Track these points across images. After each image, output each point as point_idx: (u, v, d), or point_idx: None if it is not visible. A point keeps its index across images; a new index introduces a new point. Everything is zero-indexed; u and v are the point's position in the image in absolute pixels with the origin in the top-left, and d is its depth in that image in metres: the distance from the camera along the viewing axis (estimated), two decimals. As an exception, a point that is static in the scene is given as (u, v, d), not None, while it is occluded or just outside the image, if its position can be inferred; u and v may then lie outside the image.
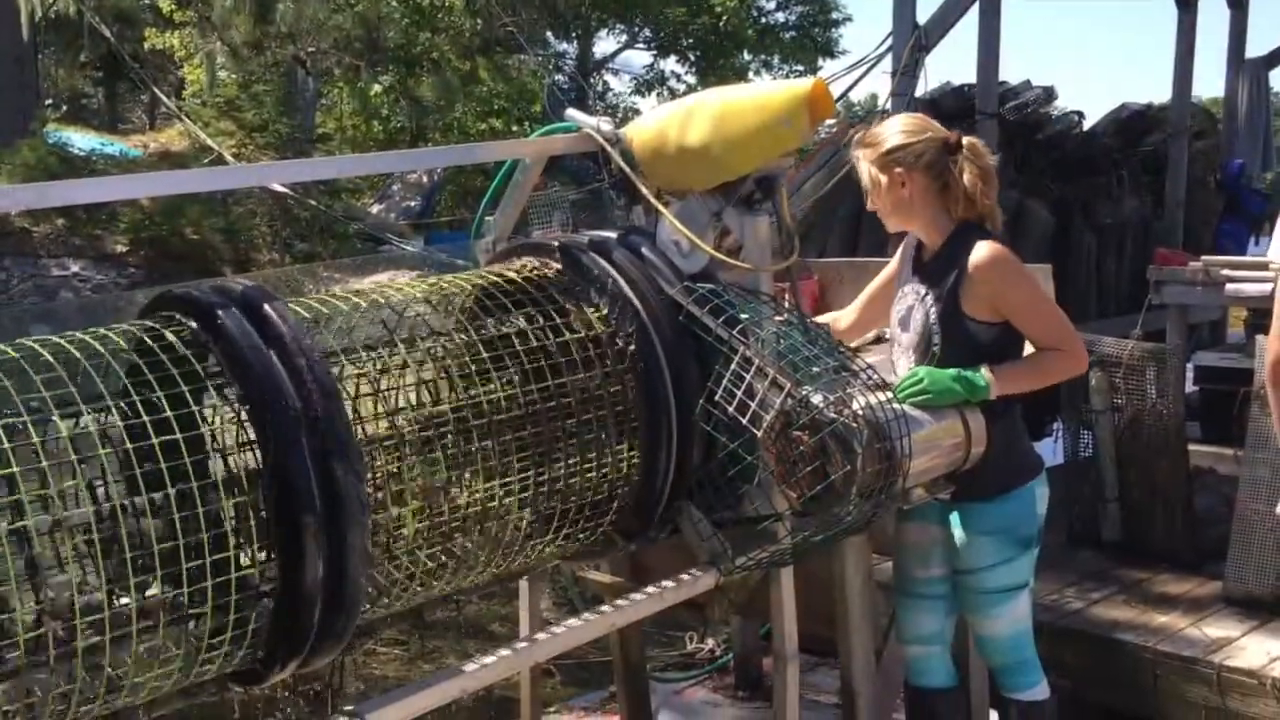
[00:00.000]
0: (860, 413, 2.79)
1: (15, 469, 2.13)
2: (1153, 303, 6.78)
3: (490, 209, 3.64)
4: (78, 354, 2.33)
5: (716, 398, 2.88)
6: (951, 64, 8.30)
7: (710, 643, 5.21)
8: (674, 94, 27.09)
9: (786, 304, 3.22)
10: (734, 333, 2.91)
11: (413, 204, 17.86)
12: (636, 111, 26.11)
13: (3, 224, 10.58)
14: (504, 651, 2.72)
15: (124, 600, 2.30)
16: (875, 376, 2.94)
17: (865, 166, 3.29)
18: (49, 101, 19.00)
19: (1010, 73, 9.33)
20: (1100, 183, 9.08)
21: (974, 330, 3.19)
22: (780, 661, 3.27)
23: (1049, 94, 9.34)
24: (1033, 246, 7.16)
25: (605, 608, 2.99)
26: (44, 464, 2.17)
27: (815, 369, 2.86)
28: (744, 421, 2.82)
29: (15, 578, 2.12)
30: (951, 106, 7.71)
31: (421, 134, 20.91)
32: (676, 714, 4.47)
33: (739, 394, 2.82)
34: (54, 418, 2.25)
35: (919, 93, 7.29)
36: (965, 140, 3.23)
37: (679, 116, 3.18)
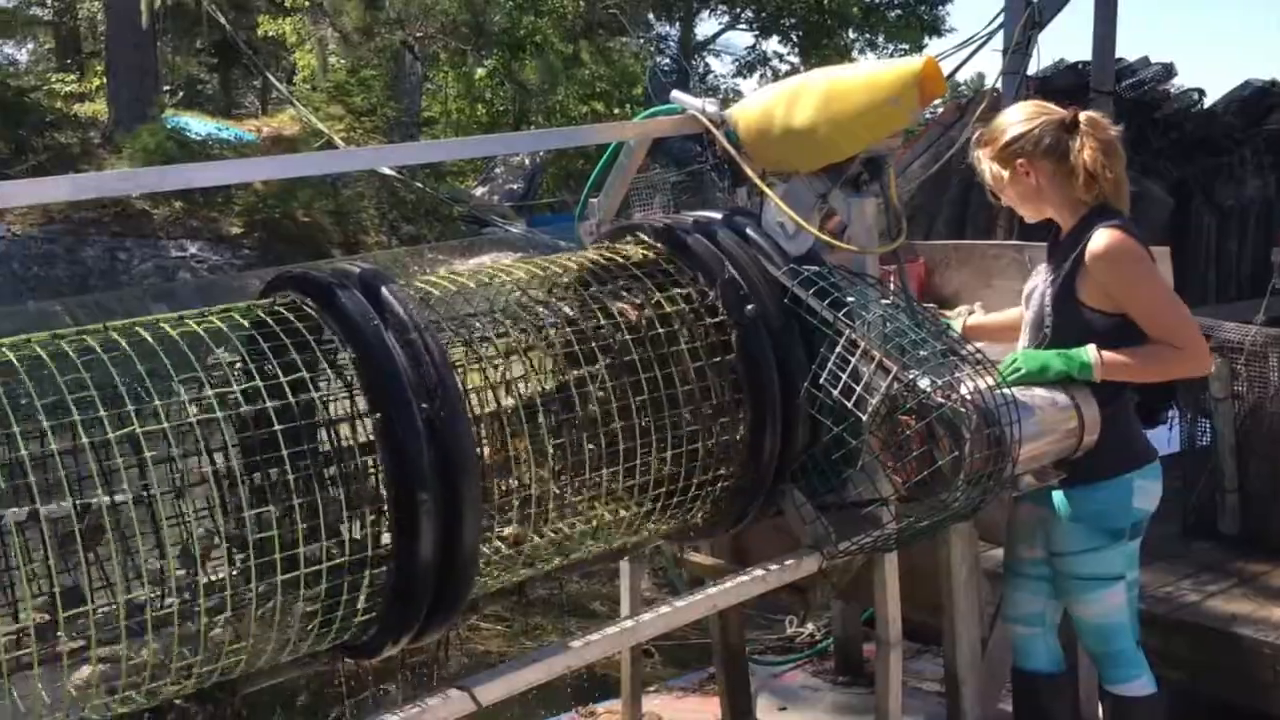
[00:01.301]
0: (969, 397, 2.75)
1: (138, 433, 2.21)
2: (1276, 287, 6.54)
3: (595, 191, 3.66)
4: (202, 331, 2.42)
5: (821, 381, 2.86)
6: (1066, 40, 8.07)
7: (810, 627, 5.18)
8: (776, 75, 26.87)
9: (893, 286, 3.18)
10: (840, 315, 2.89)
11: (515, 186, 18.06)
12: (738, 93, 25.97)
13: (125, 206, 10.97)
14: (608, 630, 2.74)
15: (240, 569, 2.38)
16: (985, 360, 2.89)
17: (987, 165, 3.25)
18: (166, 88, 19.58)
19: (1127, 49, 9.06)
20: (1221, 163, 8.77)
21: (1089, 318, 3.12)
22: (883, 647, 3.25)
23: (1168, 71, 9.03)
24: (1150, 229, 6.93)
25: (707, 589, 2.99)
26: (171, 451, 2.25)
27: (922, 352, 2.82)
28: (849, 405, 2.79)
29: (140, 542, 2.21)
30: (1065, 85, 7.50)
31: (524, 117, 21.10)
32: (776, 697, 4.46)
33: (844, 377, 2.80)
34: (178, 391, 2.33)
35: (1031, 71, 7.11)
36: (1083, 116, 3.16)
37: (785, 97, 3.16)
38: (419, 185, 12.98)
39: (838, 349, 2.83)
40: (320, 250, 11.48)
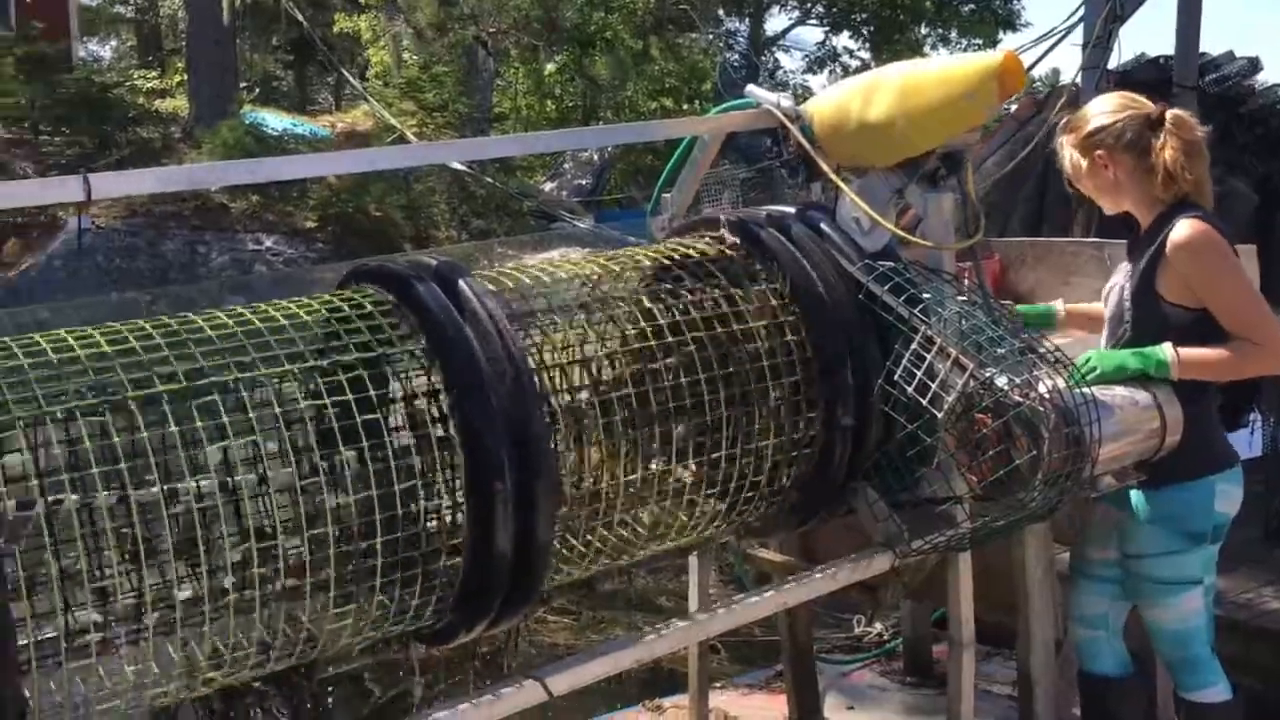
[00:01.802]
0: (1047, 396, 2.71)
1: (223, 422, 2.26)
2: (1364, 287, 6.35)
3: (667, 186, 3.66)
4: (284, 321, 2.46)
5: (896, 378, 2.84)
6: (1147, 34, 7.90)
7: (878, 626, 5.15)
8: (846, 71, 26.64)
9: (969, 283, 3.15)
10: (915, 311, 2.86)
11: (584, 182, 18.13)
12: (807, 89, 25.80)
13: (204, 201, 11.19)
14: (678, 624, 2.75)
15: (318, 555, 2.42)
16: (1063, 359, 2.85)
17: (1068, 152, 3.21)
18: (243, 84, 19.94)
19: (1211, 43, 8.84)
20: (1309, 160, 8.54)
21: (1168, 312, 3.07)
22: (956, 648, 3.21)
23: (1253, 65, 8.80)
24: (1235, 226, 6.76)
25: (777, 586, 2.99)
26: (253, 439, 2.30)
27: (1000, 350, 2.78)
28: (924, 403, 2.77)
29: (224, 530, 2.25)
30: (1147, 79, 7.33)
31: (593, 113, 21.16)
32: (843, 696, 4.44)
33: (919, 374, 2.78)
34: (261, 381, 2.38)
35: (1111, 65, 6.98)
36: (1169, 114, 3.10)
37: (861, 91, 3.14)
38: (489, 180, 13.08)
39: (913, 346, 2.80)
40: (392, 244, 11.63)
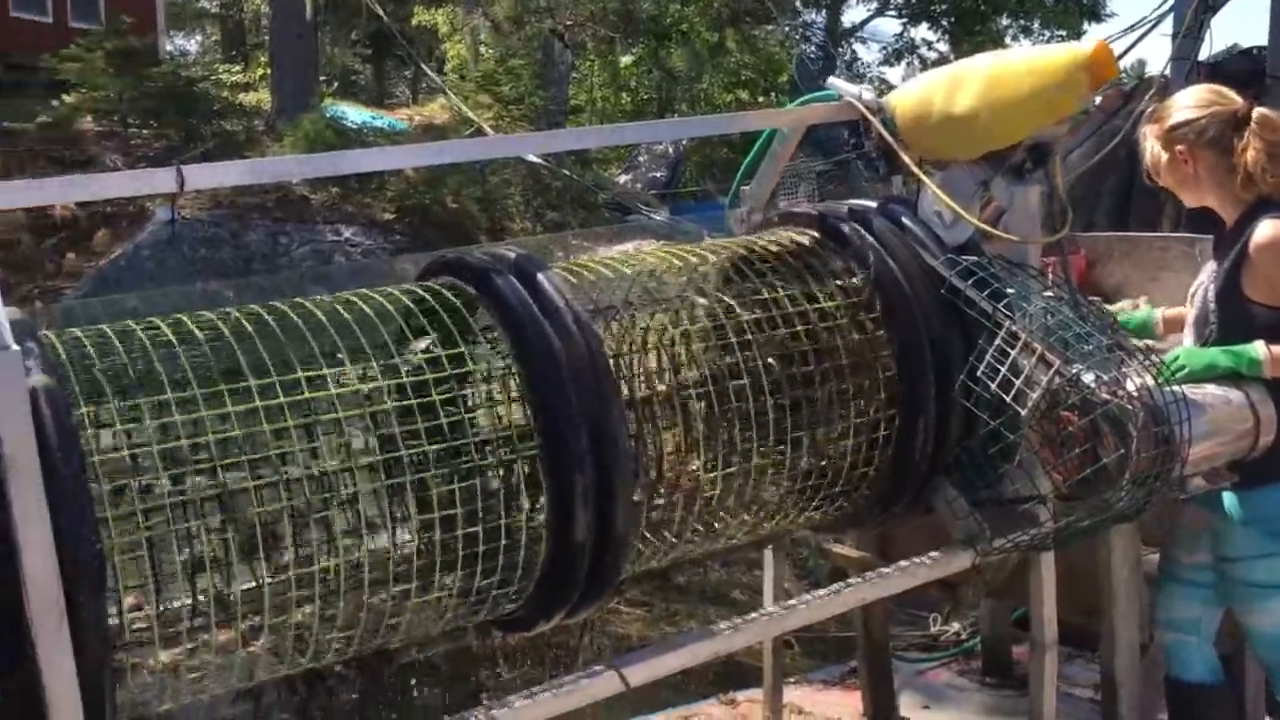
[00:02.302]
0: (1136, 394, 2.65)
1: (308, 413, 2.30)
2: None
3: (746, 179, 3.64)
4: (370, 311, 2.50)
5: (979, 373, 2.80)
6: (1240, 25, 7.68)
7: (956, 625, 5.08)
8: (924, 63, 26.28)
9: (1055, 278, 3.09)
10: (999, 306, 2.82)
11: (658, 175, 18.11)
12: (884, 81, 25.52)
13: (286, 192, 11.38)
14: (755, 618, 2.74)
15: (401, 542, 2.46)
16: (1153, 357, 2.78)
17: (1150, 143, 3.15)
18: (322, 78, 20.24)
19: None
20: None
21: (1255, 313, 2.99)
22: (1038, 649, 3.16)
23: (1350, 55, 8.52)
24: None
25: (856, 581, 2.96)
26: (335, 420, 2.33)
27: (1087, 347, 2.73)
28: (1007, 399, 2.72)
29: (310, 515, 2.30)
30: (1238, 71, 7.15)
31: (668, 105, 21.15)
32: (920, 695, 4.39)
33: (1003, 370, 2.73)
34: (346, 371, 2.42)
35: (1202, 56, 6.80)
36: (1255, 113, 3.01)
37: (945, 83, 3.09)
38: (565, 173, 13.14)
39: (997, 341, 2.76)
40: (467, 236, 11.72)
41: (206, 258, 10.68)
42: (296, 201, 11.58)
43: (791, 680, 4.31)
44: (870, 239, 3.00)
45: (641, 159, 18.40)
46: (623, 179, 17.63)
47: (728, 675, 4.97)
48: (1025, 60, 2.99)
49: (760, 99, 21.35)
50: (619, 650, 5.41)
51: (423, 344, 2.54)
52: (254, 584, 2.27)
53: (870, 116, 3.16)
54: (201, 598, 2.24)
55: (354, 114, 14.39)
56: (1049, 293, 2.92)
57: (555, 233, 12.12)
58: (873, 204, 3.15)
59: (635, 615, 5.70)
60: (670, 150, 18.02)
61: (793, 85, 18.73)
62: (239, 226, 11.10)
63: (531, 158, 11.67)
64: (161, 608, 2.19)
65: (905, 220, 3.05)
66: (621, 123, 14.73)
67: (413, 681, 5.22)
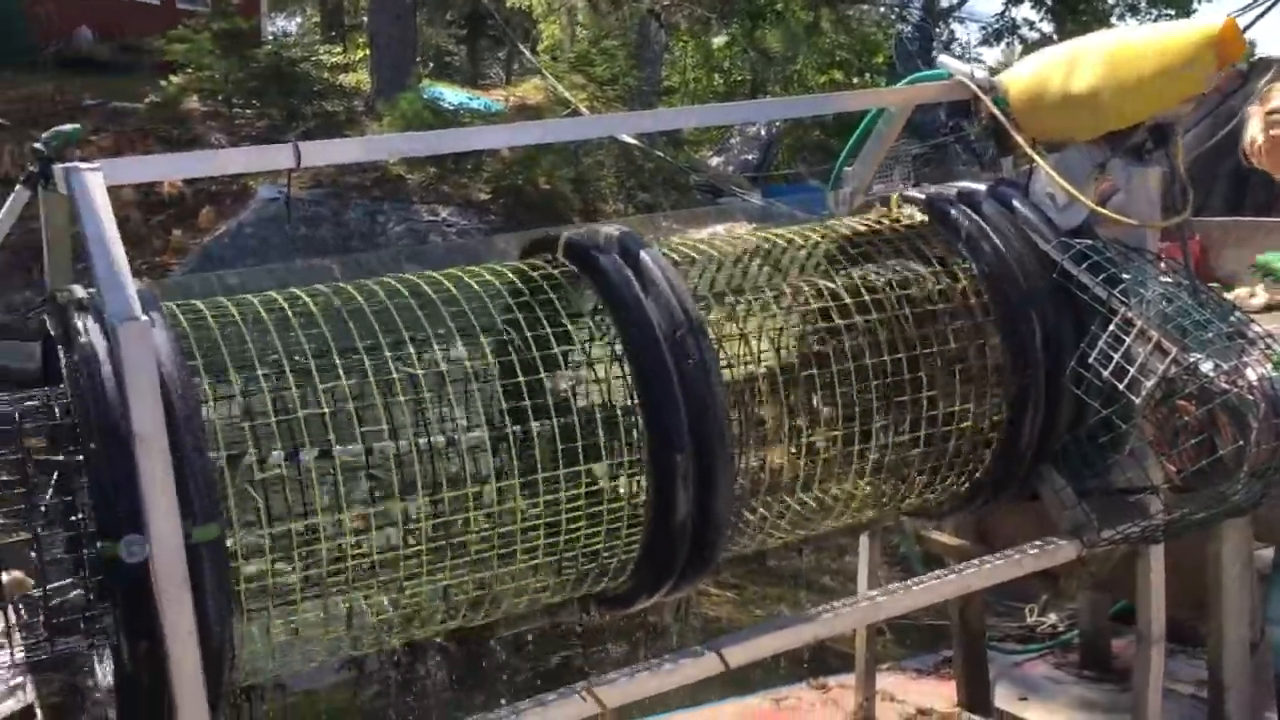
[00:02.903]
0: (1257, 384, 2.57)
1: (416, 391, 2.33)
2: None
3: (849, 160, 3.60)
4: (476, 287, 2.52)
5: (1090, 360, 2.73)
6: (1364, 2, 7.36)
7: (1053, 617, 5.00)
8: (1025, 43, 25.67)
9: (1173, 263, 3.00)
10: (1114, 292, 2.75)
11: (750, 157, 18.00)
12: (982, 62, 24.97)
13: (384, 172, 11.55)
14: (855, 603, 2.72)
15: (505, 517, 2.48)
16: (1275, 346, 2.69)
17: (1252, 124, 3.05)
18: (419, 59, 20.46)
19: None
20: None
21: None
22: (1144, 645, 3.09)
23: None
24: None
25: (959, 569, 2.92)
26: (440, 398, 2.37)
27: (1206, 334, 2.65)
28: (1120, 387, 2.66)
29: (419, 489, 2.33)
30: (1362, 51, 6.86)
31: (760, 86, 21.00)
32: (1015, 686, 4.32)
33: (1116, 357, 2.66)
34: (452, 345, 2.45)
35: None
36: None
37: (1063, 62, 3.02)
38: (659, 154, 13.13)
39: (1111, 328, 2.69)
40: (560, 217, 11.79)
41: (307, 235, 10.90)
42: (394, 181, 11.75)
43: (884, 667, 4.27)
44: (980, 222, 2.94)
45: (733, 141, 18.29)
46: (714, 161, 17.55)
47: (816, 660, 4.94)
48: (1149, 38, 2.90)
49: (855, 80, 21.07)
50: (709, 632, 5.42)
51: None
52: (364, 554, 2.31)
53: (983, 95, 3.10)
54: (314, 567, 2.29)
55: (450, 95, 14.52)
56: (1166, 278, 2.83)
57: (646, 214, 12.12)
58: (982, 186, 3.08)
59: (725, 598, 5.70)
60: (763, 133, 17.89)
61: (889, 66, 18.44)
62: (339, 205, 11.30)
63: (625, 138, 11.67)
64: (276, 577, 2.24)
65: (1016, 203, 2.98)
66: (714, 104, 14.65)
67: (505, 657, 5.30)
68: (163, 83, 13.96)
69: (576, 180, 12.74)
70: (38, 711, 2.18)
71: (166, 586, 1.85)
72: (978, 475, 2.93)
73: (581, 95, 14.31)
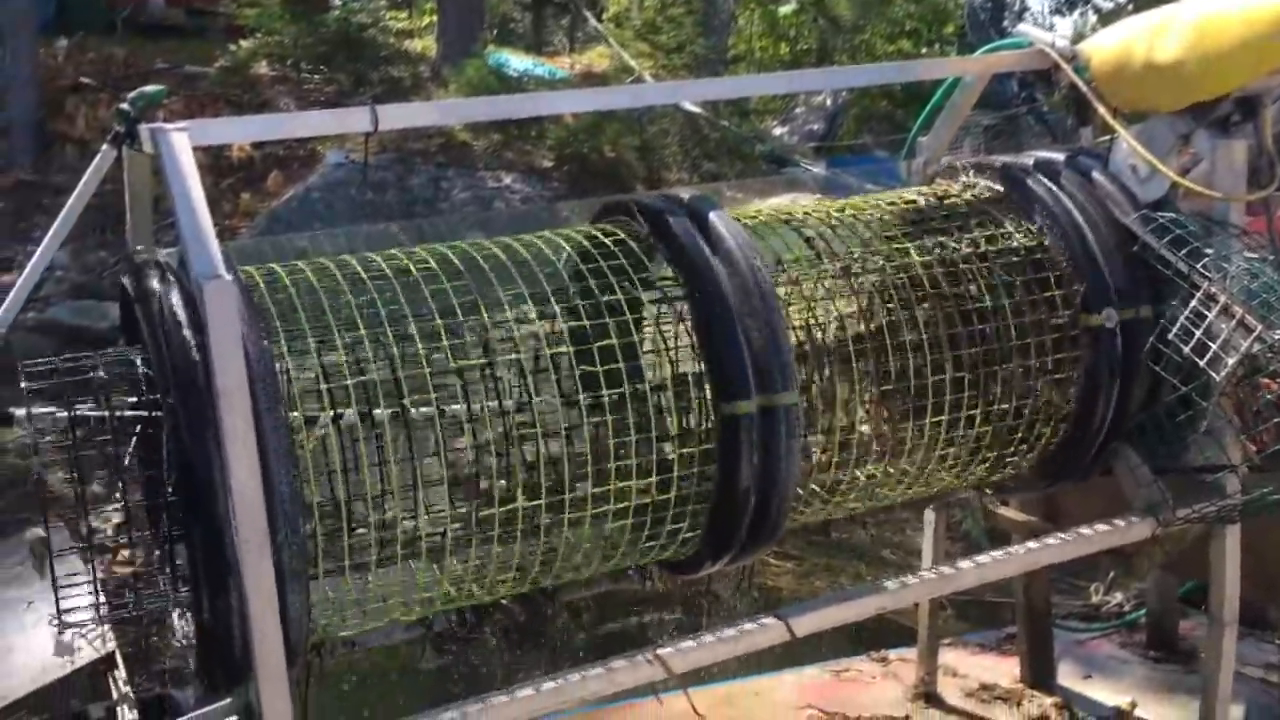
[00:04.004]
0: (1345, 363, 2.51)
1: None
2: None
3: (923, 130, 3.55)
4: (547, 251, 2.53)
5: (1170, 336, 2.69)
6: None
7: (1119, 596, 4.93)
8: (1099, 13, 25.06)
9: (1257, 238, 2.93)
10: (1196, 266, 2.69)
11: (815, 127, 17.78)
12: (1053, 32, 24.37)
13: (449, 138, 11.60)
14: (925, 575, 2.71)
15: (574, 482, 2.50)
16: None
17: None
18: (484, 25, 20.42)
19: None
20: None
21: None
22: (1216, 626, 3.04)
23: None
24: None
25: (1028, 545, 2.89)
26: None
27: (1293, 312, 2.59)
28: (1201, 364, 2.61)
29: (494, 453, 2.35)
30: None
31: (827, 55, 20.70)
32: (1080, 665, 4.27)
33: (1198, 334, 2.62)
34: (524, 309, 2.46)
35: None
36: None
37: (1148, 31, 2.95)
38: (724, 123, 13.04)
39: (1192, 303, 2.64)
40: (624, 185, 11.77)
41: (373, 200, 10.99)
42: (459, 147, 11.79)
43: (946, 641, 4.24)
44: (1057, 192, 2.90)
45: (798, 111, 18.08)
46: (778, 131, 17.37)
47: (875, 633, 4.92)
48: (1237, 7, 2.82)
49: (924, 50, 20.71)
50: (769, 601, 5.43)
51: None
52: (438, 516, 2.34)
53: (1064, 64, 3.03)
54: (387, 528, 2.32)
55: (515, 61, 14.50)
56: (1251, 253, 2.77)
57: (711, 184, 12.06)
58: (1060, 156, 3.03)
59: (785, 568, 5.70)
60: (828, 102, 17.66)
61: (960, 35, 18.13)
62: (404, 171, 11.38)
63: (691, 107, 11.60)
64: (350, 537, 2.27)
65: (1096, 174, 2.93)
66: (784, 72, 14.48)
67: (563, 620, 5.34)
68: (233, 47, 14.11)
69: (641, 148, 12.69)
70: (119, 659, 2.24)
71: (247, 539, 1.88)
72: (1050, 451, 2.89)
73: (647, 63, 14.22)
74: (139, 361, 2.11)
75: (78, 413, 2.03)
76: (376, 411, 2.30)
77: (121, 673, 2.24)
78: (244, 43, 14.08)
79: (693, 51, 14.86)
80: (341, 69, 13.76)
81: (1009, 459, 2.91)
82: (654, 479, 2.43)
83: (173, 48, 14.84)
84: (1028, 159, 3.06)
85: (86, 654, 2.20)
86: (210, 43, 14.85)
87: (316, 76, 13.87)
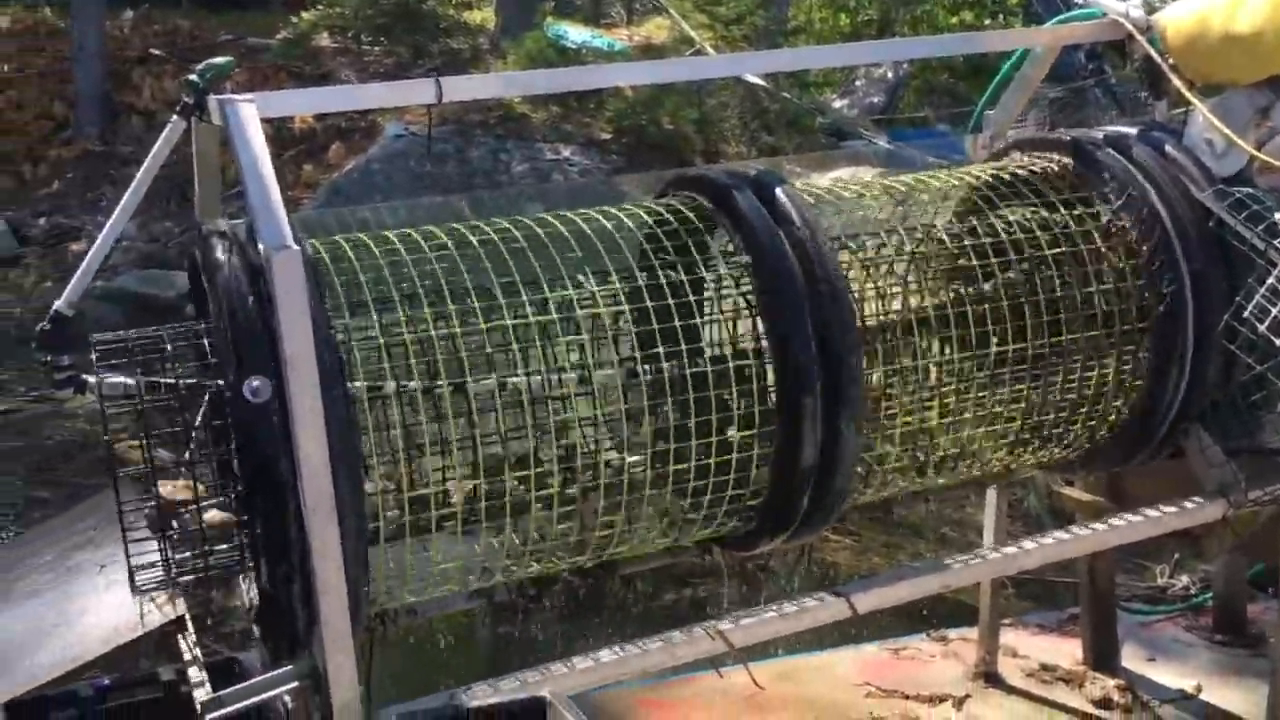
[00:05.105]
0: None
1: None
2: None
3: (990, 103, 3.49)
4: (609, 226, 2.52)
5: (1245, 314, 2.63)
6: None
7: (1185, 578, 4.85)
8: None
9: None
10: (1273, 243, 2.63)
11: (875, 100, 17.55)
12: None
13: (508, 110, 11.60)
14: (991, 554, 2.68)
15: (634, 459, 2.50)
16: None
17: None
18: (540, -4, 20.38)
19: None
20: None
21: None
22: (1287, 609, 2.98)
23: None
24: None
25: (1095, 525, 2.85)
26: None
27: (1375, 290, 2.52)
28: (1277, 342, 2.55)
29: (553, 427, 2.36)
30: None
31: (888, 26, 20.41)
32: (1144, 648, 4.21)
33: (1275, 311, 2.55)
34: (585, 284, 2.46)
35: None
36: None
37: (1225, 1, 2.87)
38: (785, 95, 12.91)
39: (1269, 280, 2.58)
40: (682, 158, 11.69)
41: (432, 172, 11.02)
42: (518, 119, 11.79)
43: (1006, 621, 4.20)
44: (1129, 167, 2.83)
45: (858, 83, 17.85)
46: (838, 104, 17.18)
47: (930, 610, 4.88)
48: (1324, -25, 2.74)
49: (987, 22, 20.34)
50: (826, 578, 5.41)
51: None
52: (499, 486, 2.35)
53: (1139, 35, 2.96)
54: (451, 498, 2.34)
55: (574, 33, 14.45)
56: (1333, 231, 2.70)
57: (769, 157, 11.96)
58: (1132, 130, 2.97)
59: (843, 544, 5.67)
60: (889, 75, 17.43)
61: (1025, 6, 17.77)
62: (463, 143, 11.40)
63: (751, 79, 11.48)
64: (413, 508, 2.29)
65: (1169, 148, 2.87)
66: (851, 43, 14.31)
67: (618, 592, 5.37)
68: (294, 19, 14.21)
69: (699, 121, 12.61)
70: (188, 622, 2.29)
71: (315, 507, 1.90)
72: (1118, 431, 2.84)
73: (706, 34, 14.09)
74: (205, 331, 2.14)
75: (147, 381, 2.06)
76: (438, 383, 2.31)
77: (191, 635, 2.28)
78: (305, 15, 14.19)
79: (752, 23, 14.72)
80: (401, 41, 13.81)
81: (1077, 438, 2.86)
82: (714, 454, 2.42)
83: (236, 19, 15.00)
84: (1098, 133, 2.99)
85: (156, 617, 2.24)
86: (272, 14, 14.98)
87: (376, 48, 13.94)
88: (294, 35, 13.92)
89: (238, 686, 2.04)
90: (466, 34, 14.63)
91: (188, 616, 2.28)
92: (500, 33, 14.25)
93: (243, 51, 13.14)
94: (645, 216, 2.60)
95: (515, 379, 2.37)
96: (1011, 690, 3.92)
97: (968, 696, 3.87)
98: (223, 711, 1.98)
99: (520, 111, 11.95)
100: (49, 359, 2.33)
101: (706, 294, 2.59)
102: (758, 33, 14.68)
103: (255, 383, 1.89)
